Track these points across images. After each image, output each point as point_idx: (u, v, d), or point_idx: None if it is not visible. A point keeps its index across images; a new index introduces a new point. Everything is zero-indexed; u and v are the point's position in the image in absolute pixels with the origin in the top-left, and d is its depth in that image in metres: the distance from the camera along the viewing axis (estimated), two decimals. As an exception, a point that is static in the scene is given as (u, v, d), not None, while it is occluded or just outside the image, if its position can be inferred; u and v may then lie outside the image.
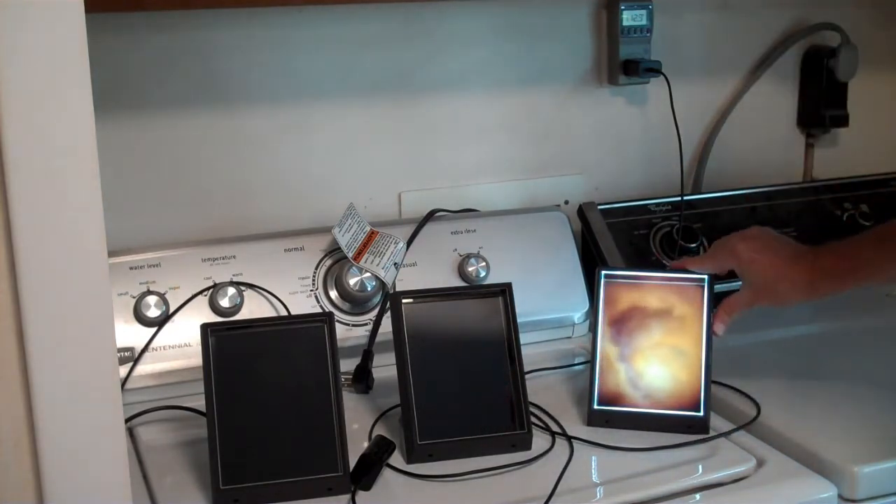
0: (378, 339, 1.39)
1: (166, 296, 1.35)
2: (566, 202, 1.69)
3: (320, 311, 1.38)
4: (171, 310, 1.34)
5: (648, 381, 1.26)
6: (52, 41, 0.79)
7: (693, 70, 1.76)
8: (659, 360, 1.27)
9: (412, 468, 1.17)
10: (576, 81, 1.69)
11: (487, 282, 1.45)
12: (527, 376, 1.24)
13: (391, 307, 1.24)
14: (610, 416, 1.26)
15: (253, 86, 1.51)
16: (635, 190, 1.73)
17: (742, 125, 1.80)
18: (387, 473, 1.16)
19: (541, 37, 1.65)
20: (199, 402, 1.17)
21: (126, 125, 1.45)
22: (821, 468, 1.16)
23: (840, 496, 1.14)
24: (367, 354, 1.38)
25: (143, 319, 1.33)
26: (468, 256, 1.47)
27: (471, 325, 1.25)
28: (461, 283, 1.46)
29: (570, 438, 1.23)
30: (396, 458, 1.18)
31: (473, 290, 1.33)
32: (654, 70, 1.66)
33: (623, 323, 1.28)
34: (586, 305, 1.51)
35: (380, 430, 1.25)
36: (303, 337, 1.18)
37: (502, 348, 1.24)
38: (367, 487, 1.12)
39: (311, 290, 1.41)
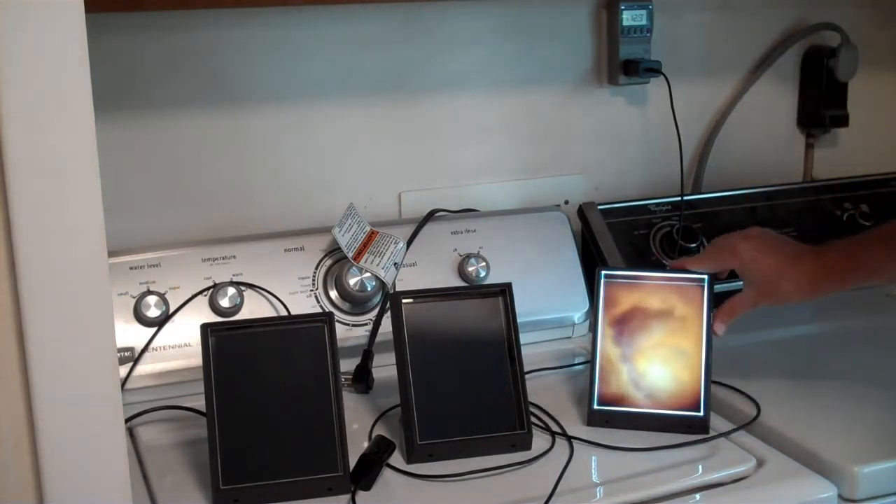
0: (378, 339, 1.39)
1: (166, 296, 1.35)
2: (566, 202, 1.69)
3: (320, 311, 1.38)
4: (171, 310, 1.34)
5: (650, 381, 1.26)
6: (52, 41, 0.79)
7: (693, 70, 1.76)
8: (660, 360, 1.27)
9: (412, 468, 1.17)
10: (576, 81, 1.69)
11: (487, 282, 1.45)
12: (527, 376, 1.24)
13: (391, 307, 1.24)
14: (610, 416, 1.26)
15: (253, 86, 1.51)
16: (635, 190, 1.73)
17: (742, 125, 1.80)
18: (387, 473, 1.16)
19: (541, 37, 1.65)
20: (199, 402, 1.17)
21: (126, 125, 1.45)
22: (821, 468, 1.16)
23: (840, 496, 1.14)
24: (367, 354, 1.38)
25: (143, 319, 1.33)
26: (468, 256, 1.47)
27: (471, 325, 1.25)
28: (461, 283, 1.46)
29: (570, 438, 1.23)
30: (396, 458, 1.18)
31: (473, 290, 1.33)
32: (654, 70, 1.66)
33: (624, 323, 1.28)
34: (586, 305, 1.51)
35: (380, 430, 1.25)
36: (303, 337, 1.18)
37: (502, 348, 1.24)
38: (367, 487, 1.12)
39: (311, 290, 1.41)
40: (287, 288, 1.39)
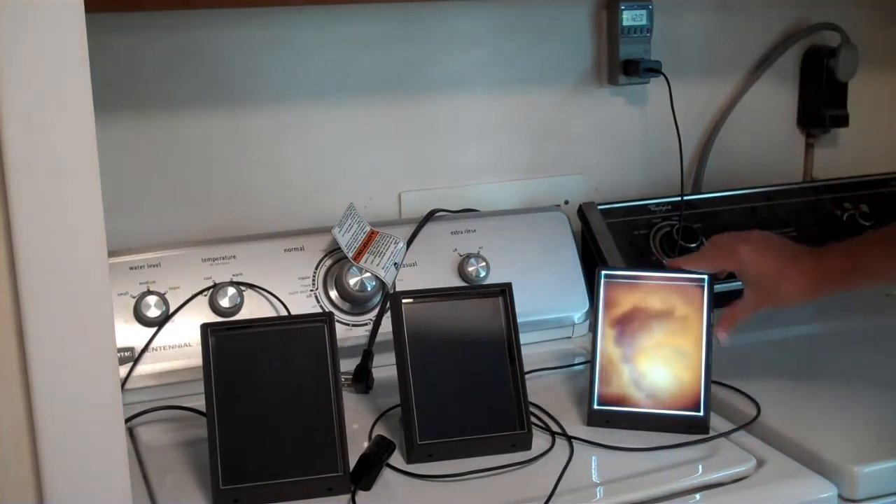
0: (378, 339, 1.39)
1: (166, 296, 1.35)
2: (566, 202, 1.69)
3: (320, 311, 1.38)
4: (171, 310, 1.34)
5: (651, 381, 1.26)
6: (52, 41, 0.79)
7: (693, 70, 1.76)
8: (662, 360, 1.27)
9: (412, 468, 1.17)
10: (576, 81, 1.69)
11: (487, 282, 1.45)
12: (527, 376, 1.24)
13: (391, 307, 1.24)
14: (610, 416, 1.26)
15: (253, 86, 1.51)
16: (635, 190, 1.73)
17: (742, 125, 1.80)
18: (387, 473, 1.16)
19: (541, 37, 1.65)
20: (199, 402, 1.17)
21: (126, 125, 1.45)
22: (821, 468, 1.16)
23: (840, 496, 1.14)
24: (367, 354, 1.38)
25: (143, 319, 1.33)
26: (468, 256, 1.47)
27: (471, 325, 1.25)
28: (461, 283, 1.46)
29: (570, 438, 1.23)
30: (396, 458, 1.18)
31: (473, 290, 1.33)
32: (654, 70, 1.66)
33: (625, 324, 1.28)
34: (586, 305, 1.51)
35: (380, 430, 1.25)
36: (303, 337, 1.18)
37: (502, 348, 1.24)
38: (367, 487, 1.12)
39: (311, 290, 1.41)
40: (287, 288, 1.39)
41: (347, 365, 1.34)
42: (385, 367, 1.33)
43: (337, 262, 1.42)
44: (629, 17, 1.66)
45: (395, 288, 1.42)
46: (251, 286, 1.38)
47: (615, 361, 1.27)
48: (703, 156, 1.79)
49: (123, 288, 1.33)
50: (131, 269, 1.35)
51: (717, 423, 1.26)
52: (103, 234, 0.84)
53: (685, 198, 1.62)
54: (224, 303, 1.35)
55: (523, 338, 1.25)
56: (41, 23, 0.78)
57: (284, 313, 1.37)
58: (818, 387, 1.35)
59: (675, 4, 1.72)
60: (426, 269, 1.46)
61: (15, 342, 0.83)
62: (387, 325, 1.30)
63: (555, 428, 1.25)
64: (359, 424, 1.27)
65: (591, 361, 1.28)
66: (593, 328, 1.30)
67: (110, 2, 1.26)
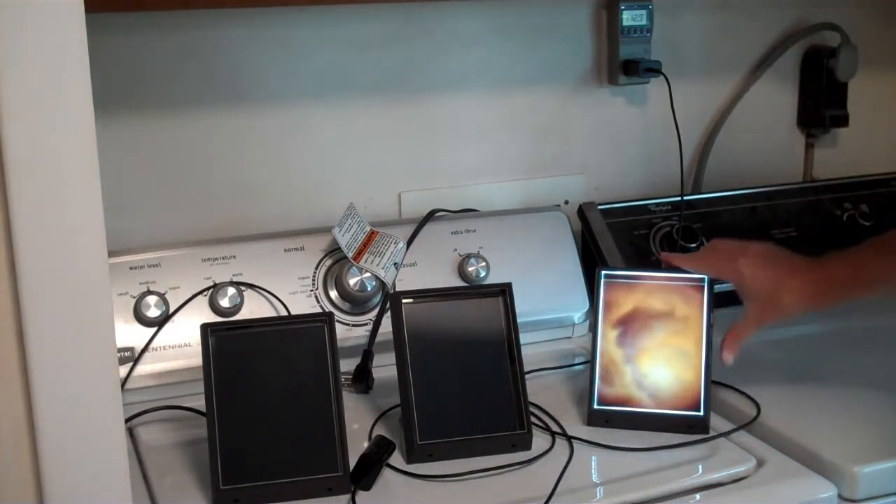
0: (378, 339, 1.39)
1: (166, 296, 1.35)
2: (566, 202, 1.69)
3: (320, 311, 1.38)
4: (171, 310, 1.34)
5: (653, 381, 1.26)
6: (52, 41, 0.79)
7: (693, 70, 1.76)
8: (663, 360, 1.27)
9: (412, 468, 1.17)
10: (576, 81, 1.69)
11: (487, 282, 1.45)
12: (527, 376, 1.24)
13: (391, 307, 1.24)
14: (610, 416, 1.26)
15: (253, 86, 1.51)
16: (635, 190, 1.73)
17: (742, 125, 1.80)
18: (387, 473, 1.16)
19: (541, 37, 1.65)
20: (199, 402, 1.17)
21: (126, 125, 1.45)
22: (821, 468, 1.16)
23: (840, 496, 1.14)
24: (367, 354, 1.38)
25: (143, 319, 1.33)
26: (468, 256, 1.47)
27: (471, 325, 1.25)
28: (461, 283, 1.46)
29: (570, 438, 1.23)
30: (396, 458, 1.18)
31: (473, 290, 1.32)
32: (654, 70, 1.66)
33: (627, 324, 1.28)
34: (586, 305, 1.51)
35: (380, 430, 1.24)
36: (303, 337, 1.18)
37: (502, 348, 1.24)
38: (367, 487, 1.12)
39: (311, 290, 1.41)
40: (287, 288, 1.39)
41: (347, 365, 1.34)
42: (385, 367, 1.33)
43: (337, 262, 1.42)
44: (629, 17, 1.66)
45: (395, 288, 1.42)
46: (251, 286, 1.38)
47: (617, 362, 1.27)
48: (703, 156, 1.79)
49: (123, 288, 1.33)
50: (131, 269, 1.35)
51: (718, 423, 1.26)
52: (103, 234, 0.84)
53: (685, 198, 1.62)
54: (224, 303, 1.35)
55: (523, 338, 1.25)
56: (41, 23, 0.78)
57: (284, 313, 1.37)
58: (818, 387, 1.35)
59: (675, 4, 1.72)
60: (426, 269, 1.46)
61: (15, 342, 0.83)
62: (387, 325, 1.30)
63: (555, 428, 1.25)
64: (359, 424, 1.27)
65: (591, 361, 1.28)
66: (593, 328, 1.30)
67: (110, 2, 1.26)
